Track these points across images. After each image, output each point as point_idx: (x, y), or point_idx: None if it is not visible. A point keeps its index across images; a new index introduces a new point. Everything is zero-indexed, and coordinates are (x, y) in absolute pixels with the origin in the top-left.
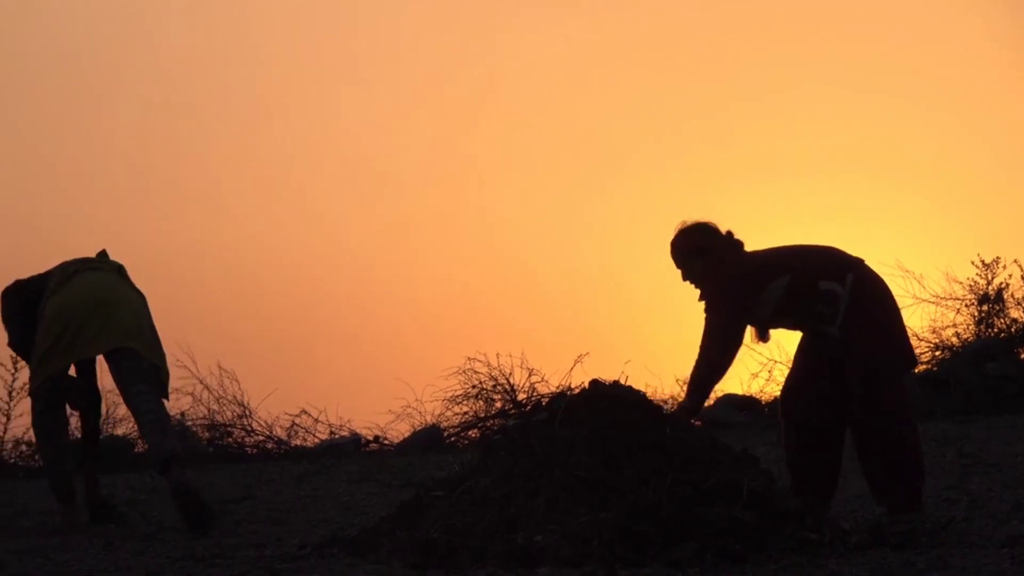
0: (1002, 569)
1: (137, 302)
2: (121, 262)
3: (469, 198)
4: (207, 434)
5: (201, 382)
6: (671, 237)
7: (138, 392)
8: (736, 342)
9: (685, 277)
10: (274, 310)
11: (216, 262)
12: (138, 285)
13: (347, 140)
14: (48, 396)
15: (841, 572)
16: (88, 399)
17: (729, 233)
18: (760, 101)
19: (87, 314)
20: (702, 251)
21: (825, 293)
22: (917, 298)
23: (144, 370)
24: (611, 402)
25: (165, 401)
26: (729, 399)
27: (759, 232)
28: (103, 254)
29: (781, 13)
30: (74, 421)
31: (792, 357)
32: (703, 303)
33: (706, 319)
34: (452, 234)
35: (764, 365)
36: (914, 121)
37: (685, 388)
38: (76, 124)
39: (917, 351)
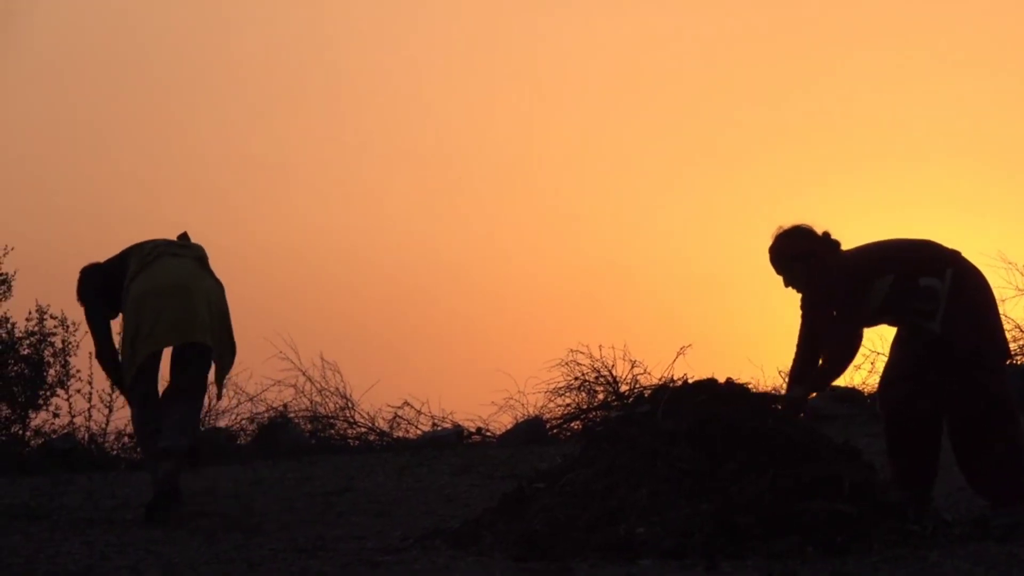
0: None
1: (213, 292)
2: (203, 244)
3: (570, 194)
4: (309, 426)
5: (304, 374)
6: (769, 243)
7: (187, 401)
8: (857, 342)
9: (787, 283)
10: (377, 303)
11: (321, 256)
12: (245, 278)
13: (444, 139)
14: (140, 388)
15: (943, 564)
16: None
17: (826, 234)
18: (854, 89)
19: (164, 303)
20: (803, 256)
21: (925, 289)
22: (1019, 289)
23: (199, 374)
24: (713, 395)
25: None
26: (832, 391)
27: (856, 223)
28: (184, 237)
29: None
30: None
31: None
32: (804, 307)
33: (815, 320)
34: (554, 228)
35: (867, 357)
36: (1017, 106)
37: (787, 381)
38: (192, 118)
39: (1018, 343)
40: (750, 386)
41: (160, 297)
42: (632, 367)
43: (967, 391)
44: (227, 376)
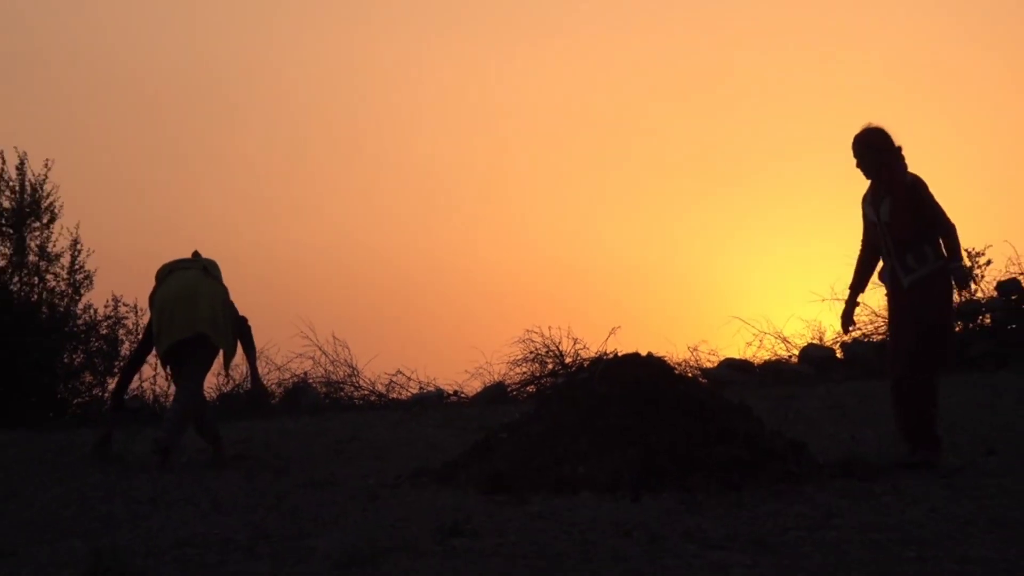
0: (934, 493)
1: (216, 294)
2: (214, 258)
3: (529, 206)
4: (324, 389)
5: (320, 349)
6: (861, 130)
7: (186, 387)
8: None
9: (858, 165)
10: (378, 293)
11: (334, 256)
12: (273, 273)
13: (435, 156)
14: (171, 372)
15: (815, 496)
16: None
17: (899, 147)
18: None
19: (174, 307)
20: (879, 149)
21: (921, 252)
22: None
23: (203, 362)
24: (639, 366)
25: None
26: (729, 362)
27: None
28: (196, 254)
29: None
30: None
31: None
32: (892, 196)
33: (923, 202)
34: (516, 235)
35: (756, 336)
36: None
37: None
38: (231, 140)
39: (874, 325)
40: (665, 358)
41: (170, 303)
42: (574, 343)
43: (913, 356)
44: (233, 360)
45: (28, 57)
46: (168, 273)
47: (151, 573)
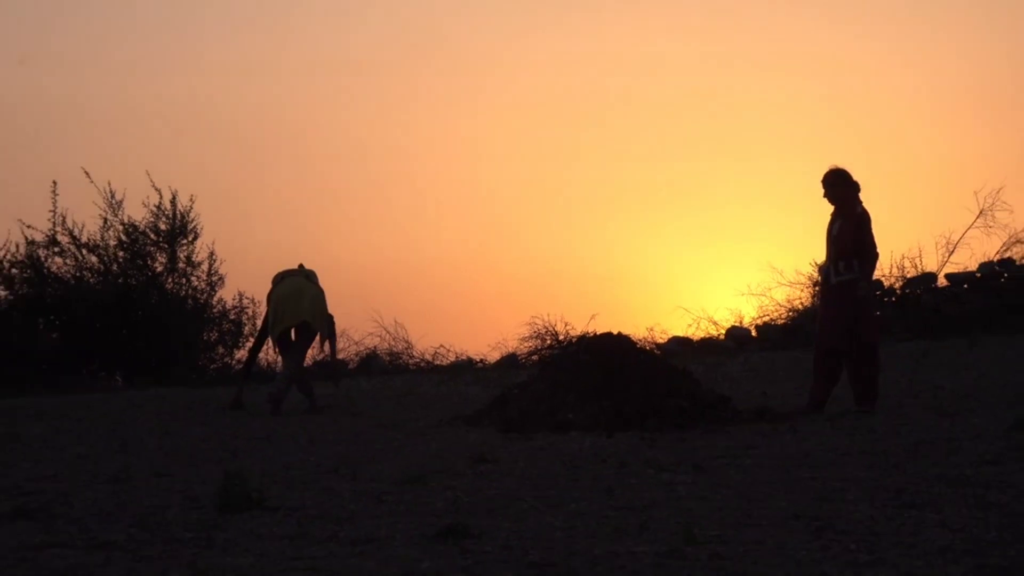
0: (821, 431)
1: (315, 295)
2: (314, 269)
3: (530, 219)
4: (387, 358)
5: (386, 330)
6: (828, 169)
7: (292, 356)
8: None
9: (827, 196)
10: (428, 288)
11: (394, 262)
12: (352, 274)
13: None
14: (281, 348)
15: (737, 434)
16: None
17: (856, 183)
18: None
19: (285, 304)
20: (844, 184)
21: (851, 262)
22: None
23: (305, 340)
24: (611, 342)
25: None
26: (675, 339)
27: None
28: (301, 266)
29: None
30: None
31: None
32: (842, 220)
33: (861, 230)
34: (522, 242)
35: (695, 320)
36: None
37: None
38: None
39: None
40: (630, 336)
41: (284, 300)
42: (566, 325)
43: (857, 328)
44: (336, 337)
45: (180, 119)
46: (281, 279)
47: (266, 488)
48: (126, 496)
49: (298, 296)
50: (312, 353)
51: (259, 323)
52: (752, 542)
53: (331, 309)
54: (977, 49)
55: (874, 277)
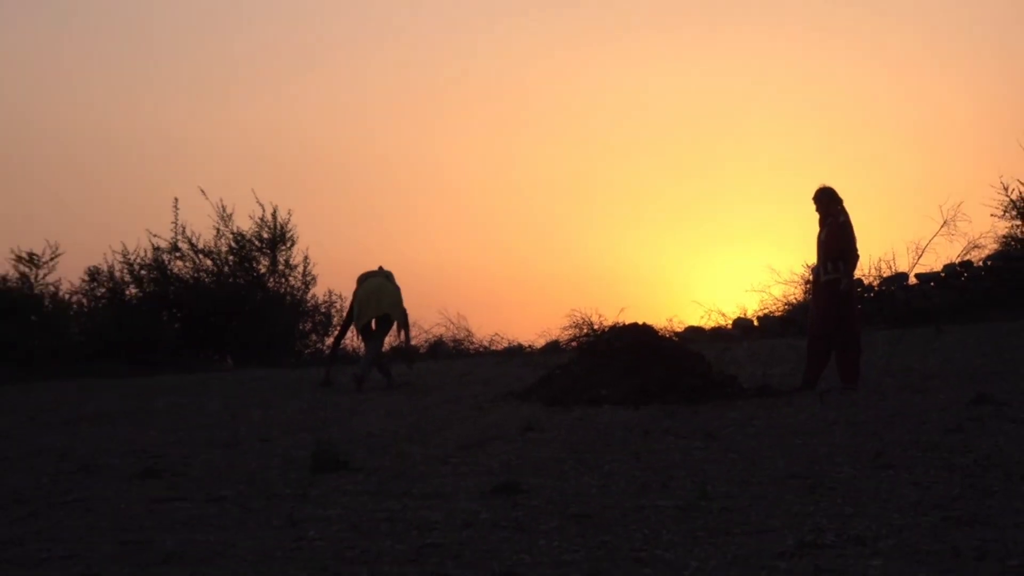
0: (812, 405)
1: (392, 293)
2: (391, 270)
3: (564, 221)
4: (452, 344)
5: (451, 321)
6: (818, 187)
7: (373, 343)
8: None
9: (818, 209)
10: (485, 286)
11: (459, 263)
12: (422, 273)
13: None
14: (365, 336)
15: (742, 407)
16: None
17: (840, 199)
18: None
19: (368, 299)
20: (834, 200)
21: (837, 263)
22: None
23: (383, 330)
24: (637, 330)
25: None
26: (690, 328)
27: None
28: (380, 267)
29: None
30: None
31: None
32: (828, 227)
33: (844, 236)
34: (562, 244)
35: (707, 312)
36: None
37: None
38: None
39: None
40: (652, 326)
41: (366, 296)
42: (599, 317)
43: (842, 318)
44: (409, 326)
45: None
46: (365, 279)
47: (351, 452)
48: (235, 458)
49: (378, 294)
50: (389, 340)
51: (344, 315)
52: (755, 497)
53: (405, 303)
54: (944, 86)
55: (855, 276)
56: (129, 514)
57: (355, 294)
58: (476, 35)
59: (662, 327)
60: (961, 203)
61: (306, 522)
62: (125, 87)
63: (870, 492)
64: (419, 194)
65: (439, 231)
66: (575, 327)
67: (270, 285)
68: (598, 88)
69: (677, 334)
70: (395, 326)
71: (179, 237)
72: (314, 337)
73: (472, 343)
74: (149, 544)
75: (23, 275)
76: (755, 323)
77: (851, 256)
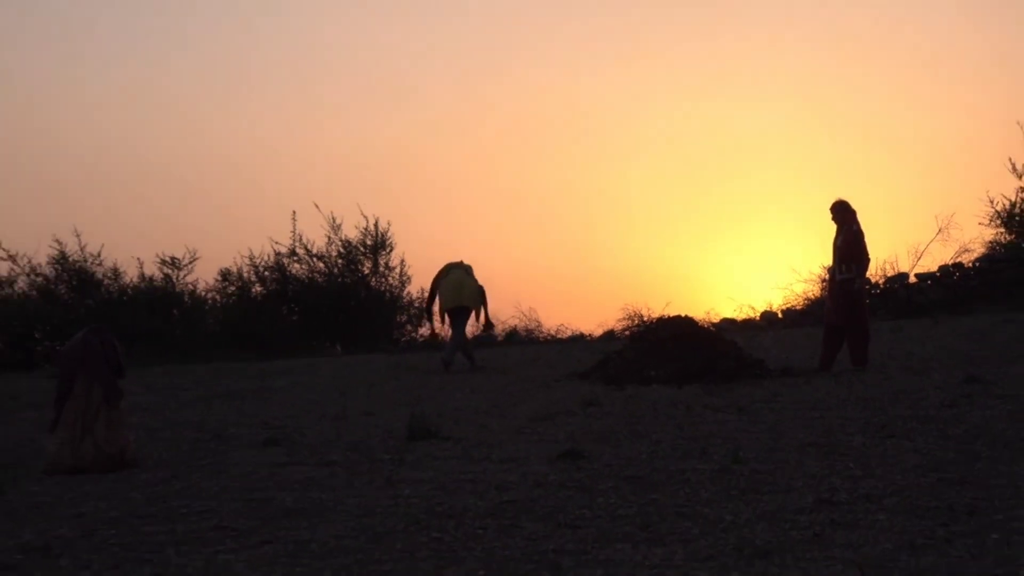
0: (828, 384)
1: (473, 287)
2: (471, 263)
3: (622, 228)
4: (524, 333)
5: (524, 313)
6: (834, 200)
7: (456, 331)
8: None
9: (835, 219)
10: (553, 285)
11: (529, 263)
12: (501, 271)
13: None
14: (447, 323)
15: (768, 386)
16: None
17: (854, 211)
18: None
19: (449, 290)
20: (849, 212)
21: (851, 264)
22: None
23: (464, 319)
24: (680, 321)
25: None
26: (725, 320)
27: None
28: (462, 261)
29: None
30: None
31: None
32: (844, 235)
33: (858, 243)
34: (621, 249)
35: (739, 307)
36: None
37: (857, 270)
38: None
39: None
40: (693, 317)
41: (450, 287)
42: (648, 310)
43: (852, 316)
44: (490, 316)
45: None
46: (448, 271)
47: (440, 424)
48: (343, 429)
49: (459, 287)
50: (471, 329)
51: (426, 301)
52: (780, 462)
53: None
54: (941, 114)
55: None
56: (254, 476)
57: (437, 281)
58: (536, 56)
59: (701, 319)
60: (954, 214)
61: (402, 483)
62: (253, 116)
63: (877, 457)
64: (496, 204)
65: (515, 236)
66: (628, 319)
67: (372, 284)
68: (650, 111)
69: (714, 325)
70: (473, 314)
71: (297, 244)
72: (409, 327)
73: (541, 332)
74: (271, 501)
75: (167, 276)
76: (779, 315)
77: (864, 260)
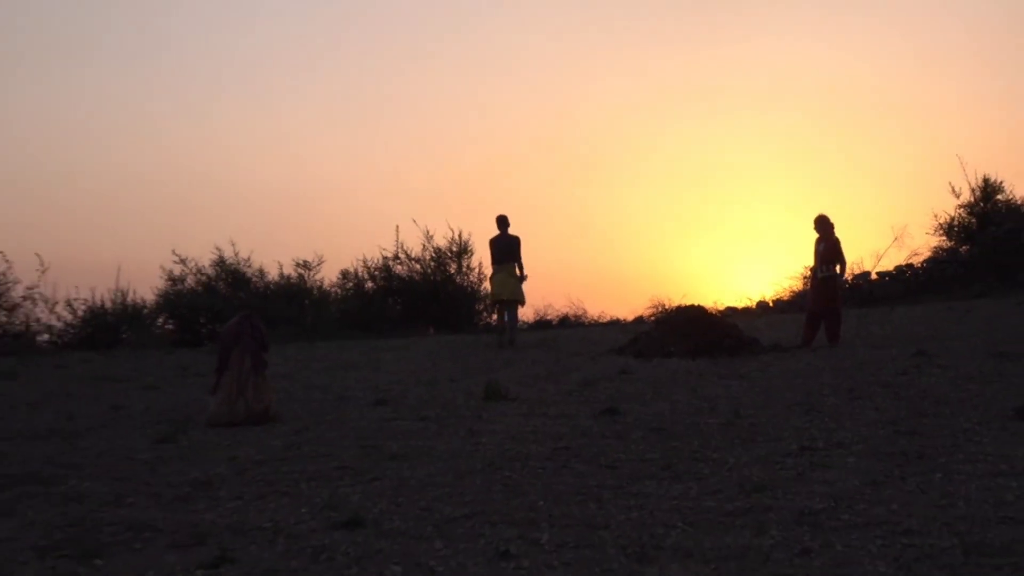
0: (808, 357)
1: (515, 284)
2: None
3: (651, 233)
4: (573, 318)
5: (572, 301)
6: (817, 215)
7: (511, 318)
8: (846, 261)
9: (817, 230)
10: (595, 279)
11: (577, 260)
12: (549, 260)
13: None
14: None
15: (762, 358)
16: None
17: (832, 223)
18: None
19: (497, 286)
20: (829, 225)
21: (832, 266)
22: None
23: (515, 308)
24: (694, 309)
25: (521, 308)
26: (728, 308)
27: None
28: (504, 222)
29: None
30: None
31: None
32: (825, 243)
33: (837, 250)
34: (644, 248)
35: (738, 297)
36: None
37: (811, 275)
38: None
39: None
40: (704, 306)
41: (497, 285)
42: (669, 300)
43: (830, 301)
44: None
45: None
46: (495, 273)
47: (509, 388)
48: (435, 392)
49: (504, 285)
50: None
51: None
52: (771, 416)
53: (528, 272)
54: (898, 145)
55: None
56: (367, 428)
57: (491, 279)
58: (582, 74)
59: (710, 307)
60: (907, 225)
61: (480, 433)
62: (364, 149)
63: (847, 414)
64: (554, 217)
65: (568, 241)
66: (653, 307)
67: (457, 281)
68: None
69: (719, 311)
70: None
71: (399, 250)
72: (484, 314)
73: (586, 317)
74: (380, 448)
75: (300, 275)
76: (771, 304)
77: (843, 263)
